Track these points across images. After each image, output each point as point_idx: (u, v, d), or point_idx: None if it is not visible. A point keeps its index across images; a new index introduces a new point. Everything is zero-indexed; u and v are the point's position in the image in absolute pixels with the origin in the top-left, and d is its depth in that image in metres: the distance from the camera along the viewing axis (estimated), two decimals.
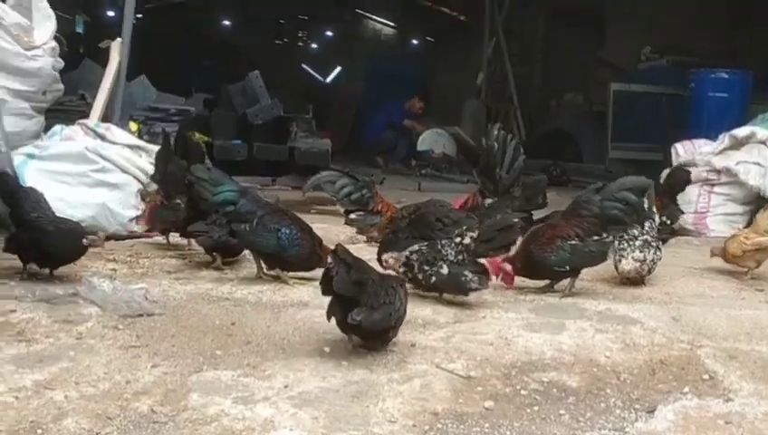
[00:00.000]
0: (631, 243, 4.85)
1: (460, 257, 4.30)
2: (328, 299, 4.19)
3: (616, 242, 4.72)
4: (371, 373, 3.20)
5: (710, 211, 7.45)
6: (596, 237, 4.48)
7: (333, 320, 3.44)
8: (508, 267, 4.49)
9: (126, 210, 5.92)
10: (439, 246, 4.35)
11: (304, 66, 27.25)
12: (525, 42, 20.35)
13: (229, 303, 4.25)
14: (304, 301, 4.33)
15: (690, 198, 7.52)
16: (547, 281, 4.67)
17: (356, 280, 3.38)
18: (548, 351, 3.61)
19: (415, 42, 27.09)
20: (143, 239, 5.85)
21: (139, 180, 6.04)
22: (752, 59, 13.10)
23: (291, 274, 4.72)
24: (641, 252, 4.83)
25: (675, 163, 7.93)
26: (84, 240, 4.42)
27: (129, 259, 5.15)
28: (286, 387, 3.00)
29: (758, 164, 7.41)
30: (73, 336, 3.51)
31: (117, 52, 6.88)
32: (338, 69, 24.80)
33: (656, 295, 4.75)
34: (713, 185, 7.50)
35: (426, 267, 4.34)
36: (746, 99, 8.78)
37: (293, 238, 4.60)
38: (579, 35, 18.52)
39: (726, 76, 8.83)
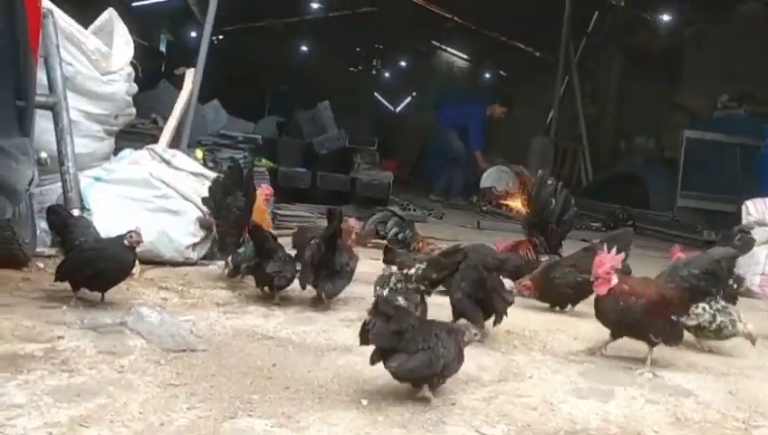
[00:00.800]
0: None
1: None
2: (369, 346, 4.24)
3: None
4: (407, 433, 3.10)
5: None
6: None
7: (375, 366, 3.40)
8: (615, 281, 4.16)
9: (183, 237, 5.96)
10: None
11: (376, 94, 27.48)
12: (599, 82, 20.12)
13: (273, 342, 4.21)
14: (348, 345, 4.26)
15: (758, 259, 7.24)
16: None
17: (395, 330, 3.32)
18: (593, 420, 3.46)
19: (488, 75, 27.04)
20: (197, 267, 5.88)
21: (199, 208, 6.08)
22: None
23: None
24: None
25: (745, 220, 7.64)
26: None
27: (180, 288, 5.17)
28: None
29: None
30: (115, 369, 3.50)
31: (190, 80, 6.99)
32: (409, 98, 24.87)
33: (713, 365, 4.54)
34: None
35: None
36: None
37: None
38: (654, 79, 18.23)
39: None
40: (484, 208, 13.69)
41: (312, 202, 10.87)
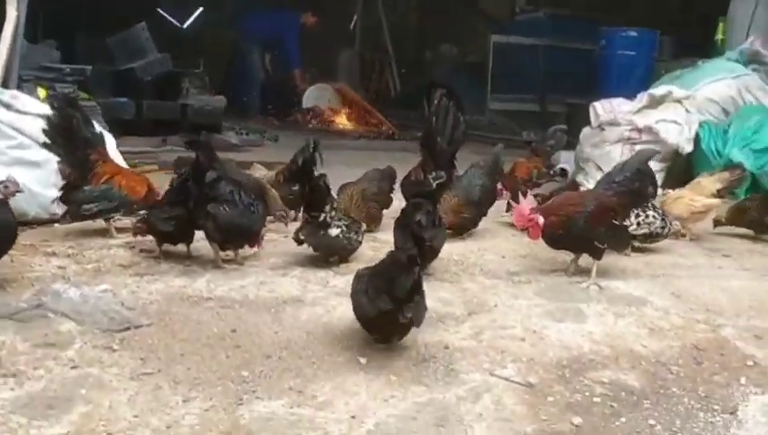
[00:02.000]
0: None
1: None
2: (317, 293, 3.91)
3: None
4: (431, 390, 2.86)
5: None
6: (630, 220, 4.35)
7: (343, 319, 3.35)
8: (541, 220, 4.16)
9: (47, 190, 5.17)
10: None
11: (160, 11, 25.49)
12: None
13: (215, 304, 3.75)
14: (294, 295, 3.90)
15: (612, 156, 7.53)
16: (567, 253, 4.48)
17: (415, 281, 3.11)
18: (583, 343, 3.40)
19: None
20: (75, 225, 5.14)
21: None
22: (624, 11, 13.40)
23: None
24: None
25: (594, 122, 7.91)
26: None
27: (70, 251, 4.49)
28: (354, 418, 2.61)
29: (675, 122, 7.51)
30: (66, 365, 2.93)
31: (14, 6, 5.97)
32: (199, 10, 23.14)
33: (639, 267, 4.64)
34: (634, 144, 7.52)
35: None
36: (652, 57, 8.88)
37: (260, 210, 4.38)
38: None
39: (635, 34, 8.87)
40: (311, 126, 13.31)
41: (140, 134, 9.94)
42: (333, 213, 4.41)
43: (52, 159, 5.19)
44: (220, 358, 3.09)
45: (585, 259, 4.40)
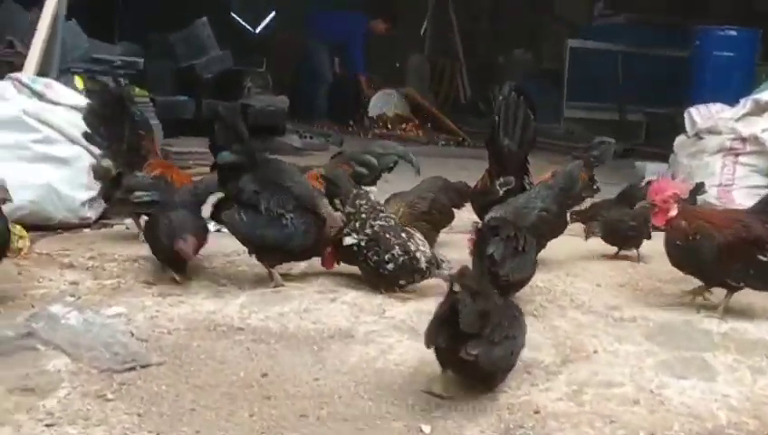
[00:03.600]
0: None
1: None
2: (370, 326, 3.13)
3: None
4: None
5: (735, 183, 6.49)
6: None
7: (401, 364, 2.62)
8: (674, 212, 3.34)
9: (76, 191, 4.52)
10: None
11: (233, 15, 25.16)
12: None
13: (246, 336, 2.99)
14: (343, 328, 3.12)
15: (713, 169, 6.55)
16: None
17: (482, 311, 2.38)
18: (718, 411, 2.52)
19: None
20: (100, 230, 4.48)
21: (89, 152, 4.62)
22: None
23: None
24: None
25: (689, 130, 6.94)
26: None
27: (91, 263, 3.80)
28: None
29: None
30: (40, 420, 2.21)
31: None
32: (270, 15, 22.58)
33: (750, 299, 3.67)
34: (737, 155, 6.52)
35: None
36: (752, 59, 7.87)
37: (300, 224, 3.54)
38: None
39: (734, 34, 7.87)
40: (377, 132, 12.52)
41: (199, 134, 9.33)
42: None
43: (82, 157, 4.58)
44: (241, 416, 2.33)
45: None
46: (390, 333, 3.07)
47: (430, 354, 2.82)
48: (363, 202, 3.66)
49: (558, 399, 2.55)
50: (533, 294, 3.65)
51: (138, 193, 3.94)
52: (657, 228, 3.77)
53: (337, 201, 3.67)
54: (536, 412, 2.44)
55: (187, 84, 9.93)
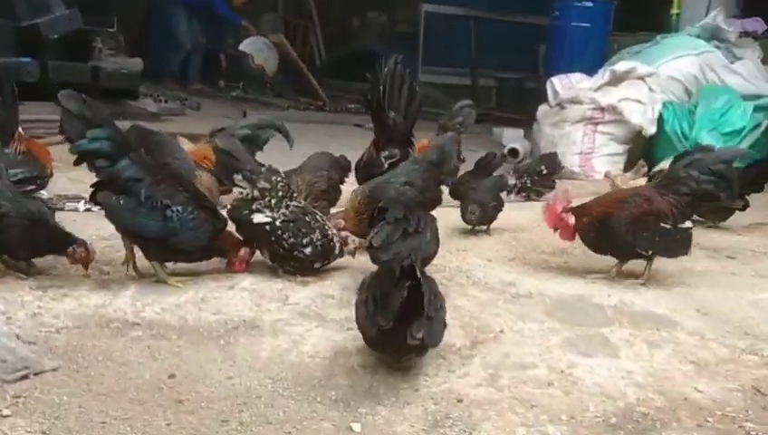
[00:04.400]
0: None
1: None
2: (275, 314, 3.02)
3: None
4: None
5: (595, 151, 6.80)
6: (687, 223, 3.58)
7: (316, 355, 2.57)
8: (571, 220, 3.42)
9: None
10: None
11: None
12: None
13: (144, 332, 2.79)
14: (248, 319, 2.98)
15: (575, 138, 6.83)
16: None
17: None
18: (626, 389, 2.61)
19: None
20: None
21: None
22: None
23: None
24: None
25: (552, 100, 7.16)
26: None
27: None
28: None
29: (639, 101, 6.83)
30: None
31: None
32: None
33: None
34: (597, 124, 6.83)
35: None
36: (607, 30, 8.19)
37: (188, 219, 3.16)
38: None
39: (591, 5, 8.15)
40: (234, 95, 12.12)
41: (45, 99, 8.66)
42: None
43: None
44: (157, 425, 2.16)
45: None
46: (298, 322, 2.96)
47: (343, 343, 2.77)
48: (279, 179, 3.47)
49: (477, 385, 2.54)
50: (430, 272, 3.63)
51: (11, 171, 3.61)
52: None
53: (238, 176, 3.44)
54: (459, 401, 2.42)
55: (30, 45, 9.18)
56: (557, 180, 5.75)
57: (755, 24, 7.60)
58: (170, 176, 3.36)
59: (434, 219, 3.38)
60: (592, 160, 6.77)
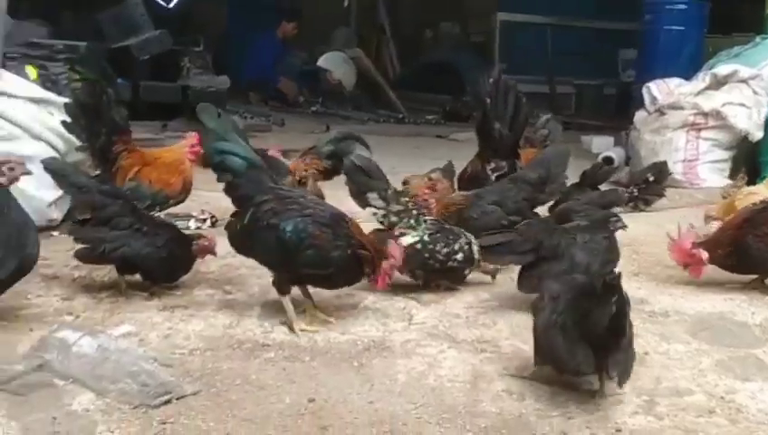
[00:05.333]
0: None
1: None
2: (404, 334, 2.90)
3: None
4: None
5: (699, 158, 6.50)
6: None
7: (455, 379, 2.44)
8: (705, 256, 3.26)
9: (43, 192, 4.07)
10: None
11: None
12: None
13: (276, 354, 2.71)
14: (377, 339, 2.87)
15: (677, 145, 6.54)
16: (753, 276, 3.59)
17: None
18: None
19: None
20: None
21: (54, 148, 4.20)
22: None
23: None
24: None
25: (649, 105, 6.89)
26: None
27: (76, 273, 3.41)
28: None
29: (743, 105, 6.50)
30: None
31: None
32: None
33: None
34: (700, 129, 6.53)
35: None
36: (702, 32, 7.88)
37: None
38: None
39: (684, 6, 7.85)
40: (314, 109, 12.12)
41: (137, 118, 8.81)
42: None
43: (45, 153, 4.12)
44: None
45: None
46: (431, 344, 2.84)
47: (481, 367, 2.64)
48: (406, 197, 3.39)
49: (634, 413, 2.38)
50: None
51: None
52: None
53: (373, 195, 3.35)
54: (618, 431, 2.26)
55: (122, 66, 9.36)
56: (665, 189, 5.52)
57: None
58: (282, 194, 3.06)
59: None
60: (697, 168, 6.47)
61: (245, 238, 2.94)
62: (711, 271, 3.67)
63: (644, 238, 4.34)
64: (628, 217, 4.89)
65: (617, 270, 2.36)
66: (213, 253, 3.24)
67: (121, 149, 4.04)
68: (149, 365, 2.48)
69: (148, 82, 9.04)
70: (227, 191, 2.99)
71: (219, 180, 3.00)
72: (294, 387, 2.47)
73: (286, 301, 2.92)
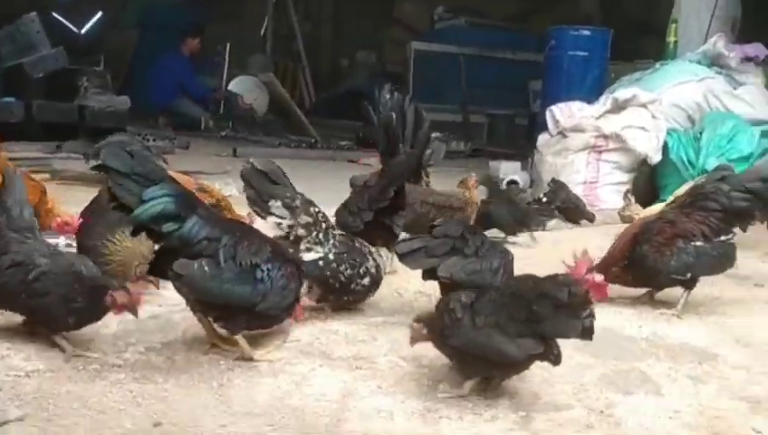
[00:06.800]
0: None
1: None
2: (279, 351, 2.68)
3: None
4: None
5: (599, 180, 6.51)
6: (723, 237, 3.31)
7: (322, 398, 2.21)
8: (599, 278, 3.12)
9: None
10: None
11: (55, 15, 23.38)
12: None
13: (126, 375, 2.44)
14: (242, 358, 2.62)
15: (578, 167, 6.56)
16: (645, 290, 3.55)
17: None
18: (676, 430, 2.29)
19: None
20: None
21: None
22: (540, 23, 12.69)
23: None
24: None
25: (552, 128, 6.90)
26: None
27: None
28: None
29: (643, 129, 6.57)
30: None
31: None
32: (98, 15, 21.02)
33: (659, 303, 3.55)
34: (600, 152, 6.56)
35: None
36: (605, 58, 7.97)
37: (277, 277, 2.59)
38: None
39: (588, 33, 7.94)
40: (224, 134, 11.82)
41: (30, 139, 8.39)
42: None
43: None
44: None
45: None
46: (300, 360, 2.62)
47: (352, 384, 2.44)
48: (317, 209, 3.14)
49: (509, 429, 2.21)
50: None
51: None
52: None
53: (276, 203, 3.06)
54: None
55: (14, 85, 8.92)
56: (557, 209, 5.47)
57: (757, 50, 7.39)
58: (248, 229, 2.76)
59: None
60: (597, 190, 6.48)
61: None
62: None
63: (535, 255, 4.24)
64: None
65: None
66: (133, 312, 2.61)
67: None
68: None
69: (42, 101, 8.62)
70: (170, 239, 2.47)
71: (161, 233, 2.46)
72: (140, 410, 2.21)
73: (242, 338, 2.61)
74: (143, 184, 2.41)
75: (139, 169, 2.42)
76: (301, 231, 3.09)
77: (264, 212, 3.12)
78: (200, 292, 2.51)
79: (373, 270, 3.15)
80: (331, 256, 3.07)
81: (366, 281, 3.12)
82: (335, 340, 2.85)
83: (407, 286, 3.50)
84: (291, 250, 2.91)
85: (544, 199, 5.43)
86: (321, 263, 3.04)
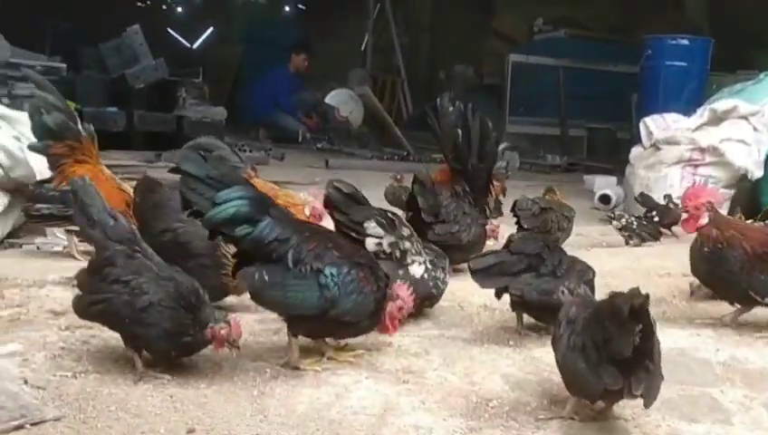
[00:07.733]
0: None
1: None
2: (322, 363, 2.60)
3: None
4: None
5: None
6: None
7: (361, 411, 2.10)
8: (704, 220, 3.00)
9: None
10: None
11: (170, 30, 24.37)
12: (411, 10, 18.77)
13: (170, 379, 2.42)
14: (288, 371, 2.56)
15: (672, 181, 6.20)
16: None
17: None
18: None
19: (287, 8, 24.88)
20: (8, 251, 3.85)
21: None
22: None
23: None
24: None
25: (645, 141, 6.59)
26: None
27: None
28: None
29: (743, 142, 6.17)
30: None
31: None
32: (209, 30, 21.87)
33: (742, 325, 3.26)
34: (696, 166, 6.20)
35: None
36: (705, 68, 7.58)
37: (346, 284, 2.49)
38: (467, 6, 17.20)
39: (686, 42, 7.58)
40: (319, 146, 11.95)
41: (130, 148, 8.71)
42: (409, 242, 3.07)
43: None
44: None
45: None
46: (345, 371, 2.54)
47: (395, 398, 2.33)
48: (400, 219, 3.13)
49: None
50: (503, 320, 3.16)
51: (37, 206, 3.37)
52: None
53: (371, 223, 2.98)
54: None
55: (119, 95, 9.28)
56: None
57: None
58: (317, 230, 2.67)
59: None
60: None
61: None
62: (686, 308, 3.39)
63: (618, 271, 4.01)
64: (609, 252, 4.71)
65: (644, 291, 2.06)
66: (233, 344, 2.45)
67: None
68: (15, 386, 2.21)
69: (143, 111, 8.93)
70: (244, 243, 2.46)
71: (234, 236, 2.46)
72: (176, 415, 2.18)
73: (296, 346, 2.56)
74: (217, 187, 2.42)
75: (214, 173, 2.44)
76: (406, 244, 3.04)
77: (361, 235, 2.97)
78: (263, 301, 2.52)
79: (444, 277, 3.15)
80: (429, 265, 3.07)
81: (447, 281, 3.15)
82: (386, 351, 2.75)
83: (471, 300, 3.36)
84: (363, 252, 2.78)
85: (656, 218, 5.18)
86: (425, 275, 3.04)
